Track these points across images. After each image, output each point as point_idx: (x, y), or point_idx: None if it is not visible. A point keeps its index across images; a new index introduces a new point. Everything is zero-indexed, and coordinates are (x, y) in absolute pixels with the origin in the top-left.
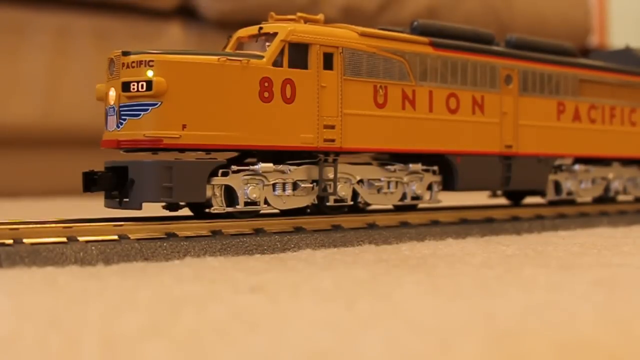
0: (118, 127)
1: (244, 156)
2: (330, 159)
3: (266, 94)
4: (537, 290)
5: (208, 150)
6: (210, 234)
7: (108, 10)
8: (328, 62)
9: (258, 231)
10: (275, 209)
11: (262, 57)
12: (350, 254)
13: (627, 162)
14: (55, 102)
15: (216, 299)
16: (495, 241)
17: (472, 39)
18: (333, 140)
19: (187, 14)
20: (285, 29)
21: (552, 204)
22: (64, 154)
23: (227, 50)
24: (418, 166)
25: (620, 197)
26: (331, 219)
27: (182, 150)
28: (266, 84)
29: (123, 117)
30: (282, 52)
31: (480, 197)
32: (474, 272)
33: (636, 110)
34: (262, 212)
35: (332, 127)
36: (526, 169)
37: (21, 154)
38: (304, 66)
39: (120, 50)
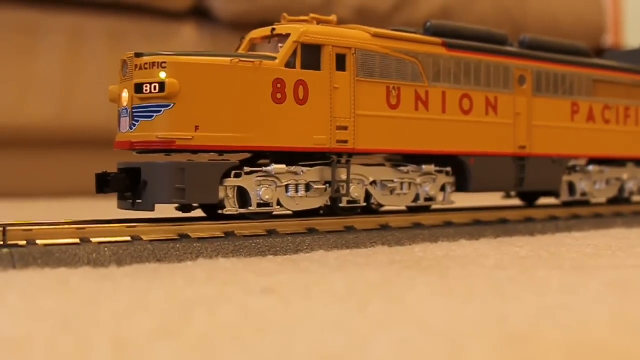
0: (131, 128)
1: (257, 157)
2: (343, 160)
3: (279, 95)
4: (551, 293)
5: (221, 151)
6: (223, 235)
7: (121, 11)
8: (341, 63)
9: (271, 232)
10: (289, 210)
11: (275, 58)
12: (363, 255)
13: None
14: (69, 103)
15: (228, 301)
16: (508, 242)
17: (486, 40)
18: (346, 142)
19: (200, 15)
20: (298, 30)
21: (566, 204)
22: (79, 155)
23: (240, 51)
24: (431, 167)
25: (636, 198)
26: (344, 220)
27: (194, 151)
28: (279, 85)
29: (136, 119)
30: (294, 54)
31: (493, 198)
32: (487, 274)
33: None
34: (275, 213)
35: (345, 128)
36: (540, 169)
37: (35, 154)
38: (317, 67)
39: (134, 52)
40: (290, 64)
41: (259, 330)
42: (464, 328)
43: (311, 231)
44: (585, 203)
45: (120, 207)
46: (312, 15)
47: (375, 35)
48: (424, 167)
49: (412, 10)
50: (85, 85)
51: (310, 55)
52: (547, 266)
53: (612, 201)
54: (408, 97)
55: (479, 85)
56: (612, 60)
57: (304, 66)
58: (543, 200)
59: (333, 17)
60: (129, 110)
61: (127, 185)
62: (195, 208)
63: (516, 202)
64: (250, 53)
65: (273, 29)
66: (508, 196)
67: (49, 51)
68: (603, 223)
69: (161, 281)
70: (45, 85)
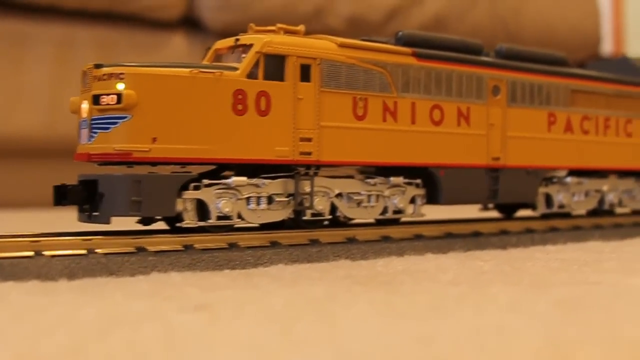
0: (90, 140)
1: (222, 169)
2: (311, 172)
3: (240, 107)
4: (493, 311)
5: (182, 163)
6: (182, 248)
7: (111, 22)
8: (305, 73)
9: (232, 246)
10: (251, 223)
11: (237, 69)
12: (321, 269)
13: (624, 174)
14: (58, 113)
15: (155, 318)
16: (476, 256)
17: (460, 50)
18: (310, 153)
19: (190, 25)
20: (261, 40)
21: (544, 217)
22: (68, 165)
23: (205, 62)
24: (399, 179)
25: (619, 210)
26: (309, 233)
27: (154, 164)
28: (240, 96)
29: (94, 130)
30: (257, 64)
31: (471, 211)
32: (438, 289)
33: (632, 120)
34: (239, 226)
35: (309, 139)
36: (514, 181)
37: (24, 165)
38: (280, 78)
39: (93, 63)
40: (252, 75)
41: (168, 350)
42: (382, 351)
43: (274, 244)
44: (566, 215)
45: (80, 219)
46: (278, 25)
47: (342, 45)
48: (391, 179)
49: (404, 19)
50: (74, 96)
51: (274, 65)
52: (504, 282)
53: (592, 213)
54: (375, 108)
55: (450, 95)
56: (595, 70)
57: (267, 77)
58: (522, 213)
59: (300, 28)
60: (87, 122)
61: (85, 197)
62: (157, 220)
63: (494, 214)
64: (211, 64)
65: (237, 39)
66: (485, 208)
67: (38, 61)
68: (580, 236)
69: (101, 296)
70: (34, 96)
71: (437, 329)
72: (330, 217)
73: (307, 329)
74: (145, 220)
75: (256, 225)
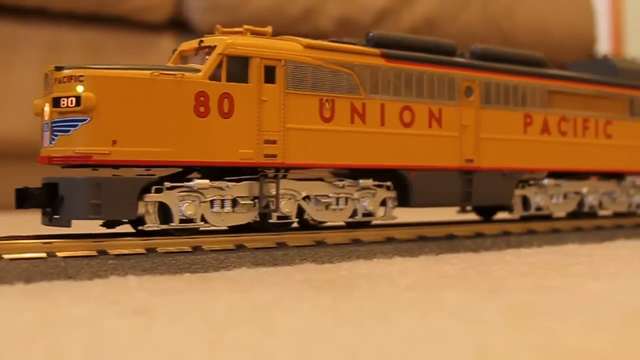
0: (51, 142)
1: (189, 172)
2: (280, 174)
3: (202, 109)
4: (436, 317)
5: (144, 166)
6: (144, 251)
7: (99, 24)
8: (270, 75)
9: (196, 249)
10: (214, 226)
11: (199, 70)
12: (282, 273)
13: (606, 175)
14: None
15: (89, 323)
16: (445, 260)
17: (432, 50)
18: (275, 156)
19: (179, 27)
20: (224, 41)
21: (523, 219)
22: (55, 168)
23: (170, 63)
24: (369, 182)
25: (602, 212)
26: (277, 236)
27: (117, 166)
28: (202, 99)
29: (55, 133)
30: (220, 66)
31: (448, 213)
32: (391, 294)
33: (612, 122)
34: (208, 229)
35: (274, 142)
36: (489, 183)
37: (14, 167)
38: (244, 80)
39: (54, 66)
40: (215, 77)
41: (86, 356)
42: (304, 358)
43: (240, 247)
44: (547, 217)
45: (43, 222)
46: (245, 26)
47: (308, 47)
48: (360, 181)
49: (395, 21)
50: None
51: (237, 67)
52: (463, 286)
53: (572, 215)
54: (343, 110)
55: (421, 96)
56: (575, 71)
57: (230, 79)
58: (502, 215)
59: (268, 29)
60: (49, 125)
61: (47, 200)
62: (122, 223)
63: (472, 217)
64: (173, 66)
65: (201, 41)
66: (463, 211)
67: (26, 64)
68: (558, 238)
69: (47, 300)
70: (22, 98)
71: (371, 336)
72: (297, 219)
73: (238, 336)
74: (110, 224)
75: (225, 228)
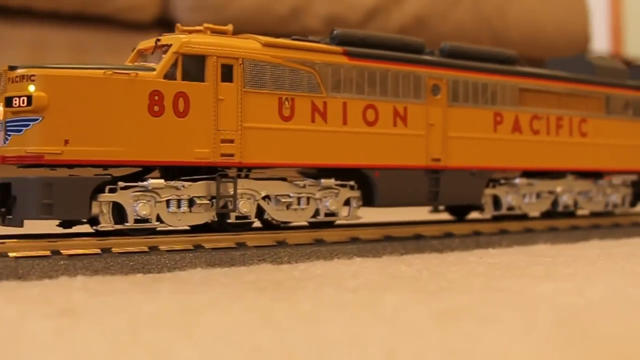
0: (5, 142)
1: (148, 172)
2: (237, 174)
3: (156, 108)
4: (363, 320)
5: (98, 166)
6: (99, 251)
7: (85, 23)
8: (227, 74)
9: (153, 249)
10: (171, 226)
11: (154, 69)
12: (234, 274)
13: (584, 175)
14: None
15: (11, 324)
16: (406, 260)
17: (399, 48)
18: (232, 155)
19: (165, 26)
20: (179, 40)
21: (496, 219)
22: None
23: (128, 62)
24: (331, 181)
25: (580, 212)
26: (236, 236)
27: (71, 166)
28: (156, 98)
29: (8, 133)
30: (175, 65)
31: (421, 213)
32: (332, 296)
33: (588, 120)
34: (167, 229)
35: (231, 141)
36: (457, 183)
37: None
38: (200, 79)
39: (8, 65)
40: (170, 76)
41: None
42: None
43: (198, 248)
44: (522, 217)
45: None
46: (205, 25)
47: (266, 45)
48: (322, 181)
49: (384, 19)
50: None
51: (193, 66)
52: (409, 288)
53: (547, 215)
54: (303, 109)
55: (385, 95)
56: (553, 68)
57: (186, 77)
58: (476, 215)
59: (228, 27)
60: (3, 124)
61: (1, 200)
62: (80, 223)
63: (444, 216)
64: (127, 65)
65: (157, 40)
66: (436, 210)
67: (10, 63)
68: (530, 239)
69: None
70: None
71: (288, 339)
72: (260, 220)
73: (152, 339)
74: (66, 224)
75: (187, 228)
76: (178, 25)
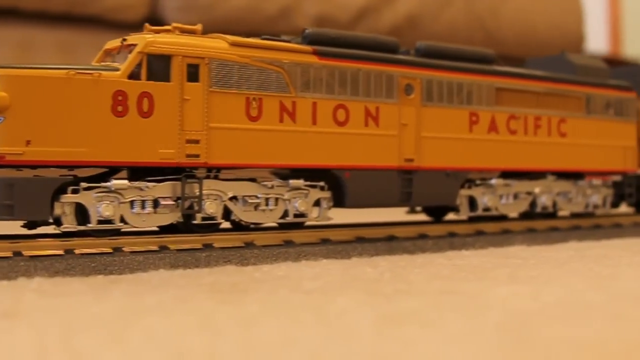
0: None
1: (114, 172)
2: (211, 175)
3: (120, 108)
4: (303, 324)
5: (71, 166)
6: (63, 252)
7: (73, 23)
8: (193, 74)
9: (117, 250)
10: (136, 227)
11: (118, 69)
12: (194, 276)
13: (566, 175)
14: None
15: None
16: (373, 262)
17: (372, 47)
18: (197, 156)
19: (154, 26)
20: (144, 40)
21: (472, 220)
22: None
23: (95, 62)
24: (299, 182)
25: (562, 213)
26: (203, 237)
27: (35, 167)
28: (120, 98)
29: None
30: (140, 64)
31: (398, 214)
32: (283, 299)
33: (567, 120)
34: (137, 230)
35: (197, 141)
36: (431, 183)
37: None
38: (166, 78)
39: None
40: (134, 76)
41: None
42: None
43: (163, 249)
44: (502, 218)
45: None
46: (174, 24)
47: (234, 44)
48: (291, 181)
49: (375, 19)
50: None
51: (158, 66)
52: (365, 290)
53: (526, 216)
54: (271, 109)
55: (356, 95)
56: (534, 67)
57: (151, 77)
58: (453, 216)
59: (198, 27)
60: None
61: None
62: (45, 224)
63: (421, 217)
64: (90, 65)
65: (124, 39)
66: (413, 211)
67: None
68: (506, 240)
69: None
70: None
71: (215, 342)
72: (230, 221)
73: (81, 343)
74: (30, 224)
75: (156, 229)
76: (146, 25)
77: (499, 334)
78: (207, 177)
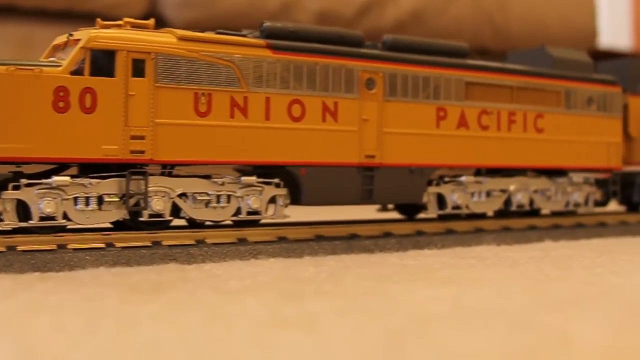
0: None
1: (63, 169)
2: (166, 171)
3: (61, 104)
4: (191, 324)
5: (19, 163)
6: (4, 249)
7: (72, 21)
8: (138, 69)
9: (62, 247)
10: (80, 224)
11: (60, 65)
12: (127, 274)
13: (550, 172)
14: None
15: None
16: (322, 261)
17: (335, 42)
18: (143, 152)
19: (156, 23)
20: (87, 35)
21: (444, 218)
22: None
23: (43, 57)
24: (252, 179)
25: (544, 211)
26: (152, 234)
27: None
28: (61, 94)
29: None
30: (83, 60)
31: (369, 212)
32: (193, 299)
33: (544, 115)
34: (88, 227)
35: (142, 137)
36: (394, 180)
37: None
38: (110, 74)
39: None
40: (77, 71)
41: None
42: None
43: (109, 246)
44: (481, 217)
45: None
46: (125, 19)
47: (182, 39)
48: (242, 178)
49: (379, 14)
50: None
51: (102, 61)
52: (282, 291)
53: (502, 214)
54: (221, 104)
55: (313, 89)
56: (515, 62)
57: (94, 73)
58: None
59: (150, 22)
60: None
61: None
62: None
63: (394, 215)
64: (32, 60)
65: (70, 35)
66: (385, 209)
67: None
68: (475, 239)
69: None
70: None
71: (63, 345)
72: (172, 218)
73: None
74: None
75: (110, 225)
76: (98, 20)
77: (383, 342)
78: (163, 174)
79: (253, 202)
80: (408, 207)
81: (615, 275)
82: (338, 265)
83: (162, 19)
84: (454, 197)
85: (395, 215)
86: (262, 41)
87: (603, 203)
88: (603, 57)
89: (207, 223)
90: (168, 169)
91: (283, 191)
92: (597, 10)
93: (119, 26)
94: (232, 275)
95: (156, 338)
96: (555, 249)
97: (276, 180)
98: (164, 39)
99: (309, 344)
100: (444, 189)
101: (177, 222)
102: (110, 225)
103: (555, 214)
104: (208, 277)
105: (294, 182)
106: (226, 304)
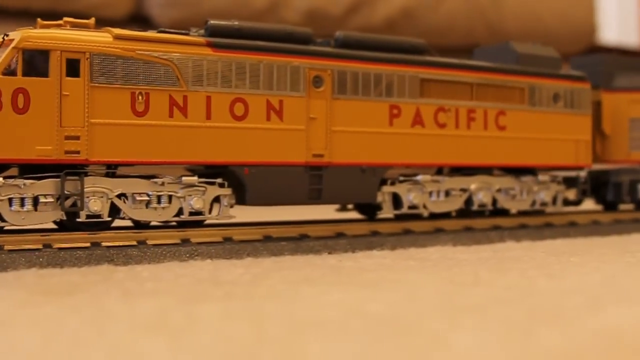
0: None
1: (4, 169)
2: (108, 171)
3: None
4: (52, 330)
5: None
6: None
7: (57, 20)
8: (73, 68)
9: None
10: (15, 225)
11: None
12: (50, 275)
13: (514, 171)
14: None
15: None
16: (256, 263)
17: (282, 39)
18: (78, 152)
19: (140, 22)
20: (20, 35)
21: (401, 218)
22: None
23: None
24: (193, 179)
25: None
26: (91, 235)
27: None
28: None
29: None
30: (15, 60)
31: (328, 212)
32: (94, 301)
33: (507, 112)
34: (25, 228)
35: (77, 138)
36: (344, 180)
37: None
38: (44, 74)
39: None
40: (10, 72)
41: None
42: None
43: (47, 247)
44: (446, 216)
45: None
46: (65, 19)
47: (118, 38)
48: (183, 178)
49: (369, 12)
50: None
51: (35, 61)
52: (183, 294)
53: (463, 214)
54: (159, 103)
55: (257, 88)
56: (480, 58)
57: (28, 73)
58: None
59: (90, 21)
60: None
61: None
62: None
63: (354, 215)
64: None
65: (5, 35)
66: (344, 209)
67: None
68: (432, 240)
69: None
70: None
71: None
72: (109, 219)
73: None
74: None
75: (53, 226)
76: (38, 20)
77: (239, 350)
78: (108, 175)
79: (195, 203)
80: (368, 207)
81: (547, 278)
82: (272, 267)
83: (148, 19)
84: (410, 196)
85: (355, 215)
86: (202, 39)
87: (577, 202)
88: (607, 53)
89: (153, 224)
90: (112, 170)
91: (227, 191)
92: (596, 6)
93: (58, 26)
94: (155, 277)
95: (15, 341)
96: (512, 250)
97: (219, 180)
98: (100, 39)
99: (161, 349)
100: (399, 189)
101: (124, 223)
102: (54, 226)
103: (522, 213)
104: (129, 279)
105: (239, 182)
106: (119, 307)
